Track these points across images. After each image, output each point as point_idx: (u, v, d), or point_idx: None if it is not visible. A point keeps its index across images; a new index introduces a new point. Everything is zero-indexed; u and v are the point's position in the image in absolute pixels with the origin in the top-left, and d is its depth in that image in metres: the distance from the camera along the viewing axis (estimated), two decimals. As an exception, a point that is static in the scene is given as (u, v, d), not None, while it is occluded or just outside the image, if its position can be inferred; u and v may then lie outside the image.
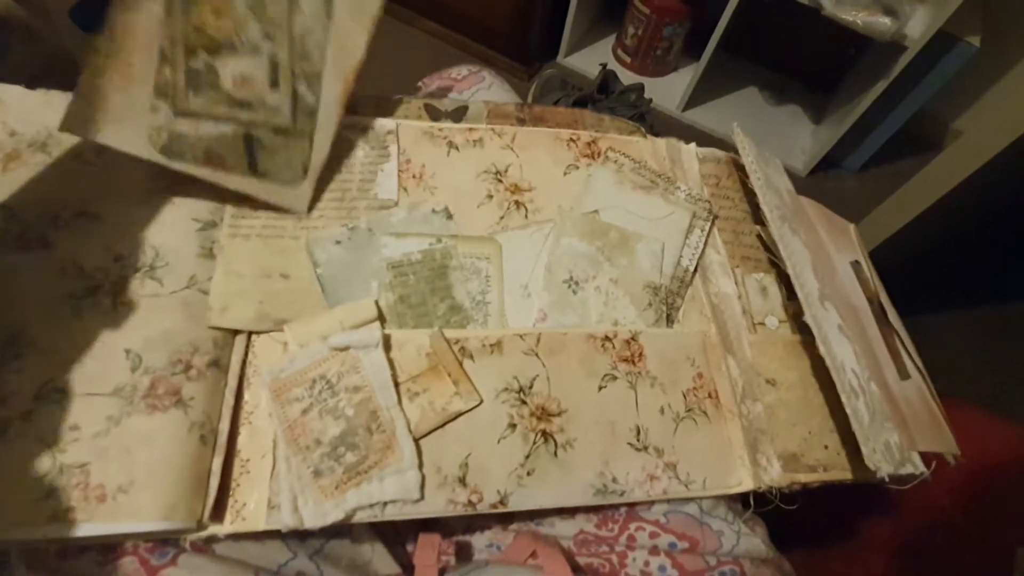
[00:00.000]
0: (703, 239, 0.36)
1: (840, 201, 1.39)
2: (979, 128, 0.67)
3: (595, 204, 0.36)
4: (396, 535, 0.33)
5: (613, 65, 1.53)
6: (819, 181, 1.36)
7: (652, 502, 0.31)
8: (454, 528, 0.32)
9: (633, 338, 0.33)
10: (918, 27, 1.03)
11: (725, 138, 1.43)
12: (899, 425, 0.33)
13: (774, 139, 1.41)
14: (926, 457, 0.35)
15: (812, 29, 1.20)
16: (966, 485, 0.62)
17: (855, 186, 1.37)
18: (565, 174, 0.38)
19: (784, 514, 0.33)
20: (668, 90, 1.47)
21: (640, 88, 1.28)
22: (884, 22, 1.00)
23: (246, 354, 0.30)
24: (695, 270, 0.36)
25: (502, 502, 0.28)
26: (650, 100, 1.29)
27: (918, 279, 1.23)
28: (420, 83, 0.47)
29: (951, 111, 1.41)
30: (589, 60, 1.50)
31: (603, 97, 1.30)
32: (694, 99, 1.42)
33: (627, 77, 1.47)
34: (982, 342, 1.23)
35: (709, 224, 0.37)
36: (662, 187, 0.37)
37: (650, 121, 1.33)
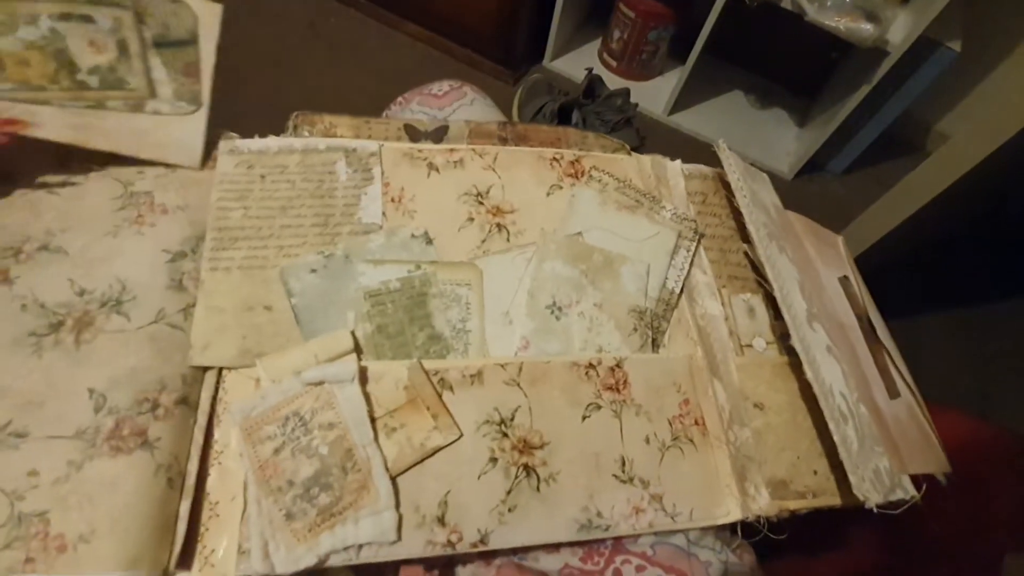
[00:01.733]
0: (689, 259, 0.36)
1: (825, 203, 1.40)
2: (965, 133, 0.67)
3: (579, 226, 0.35)
4: (375, 569, 0.32)
5: (599, 69, 1.53)
6: (804, 184, 1.37)
7: (638, 535, 0.30)
8: (436, 561, 0.31)
9: (618, 365, 0.32)
10: (900, 32, 1.04)
11: (711, 142, 1.42)
12: (889, 448, 0.33)
13: (759, 142, 1.41)
14: (916, 478, 0.34)
15: (796, 34, 1.21)
16: (952, 491, 0.62)
17: (839, 188, 1.38)
18: (548, 195, 0.37)
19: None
20: (654, 94, 1.47)
21: (626, 93, 1.28)
22: (866, 28, 1.00)
23: (216, 390, 0.29)
24: (681, 292, 0.35)
25: (482, 541, 0.27)
26: (636, 104, 1.29)
27: (905, 281, 1.25)
28: (400, 98, 0.46)
29: (933, 114, 1.42)
30: (575, 64, 1.50)
31: (589, 102, 1.30)
32: (680, 103, 1.42)
33: (613, 81, 1.47)
34: (968, 344, 1.24)
35: (695, 244, 0.37)
36: (647, 206, 0.36)
37: (636, 126, 1.32)
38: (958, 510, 0.60)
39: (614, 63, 1.51)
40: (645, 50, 1.43)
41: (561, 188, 0.38)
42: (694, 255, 0.36)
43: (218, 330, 0.29)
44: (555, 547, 0.31)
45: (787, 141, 1.44)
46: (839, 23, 1.02)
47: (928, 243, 1.19)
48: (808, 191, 1.36)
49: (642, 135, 1.41)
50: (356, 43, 1.48)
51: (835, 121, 1.21)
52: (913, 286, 1.27)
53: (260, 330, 0.30)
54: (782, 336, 0.37)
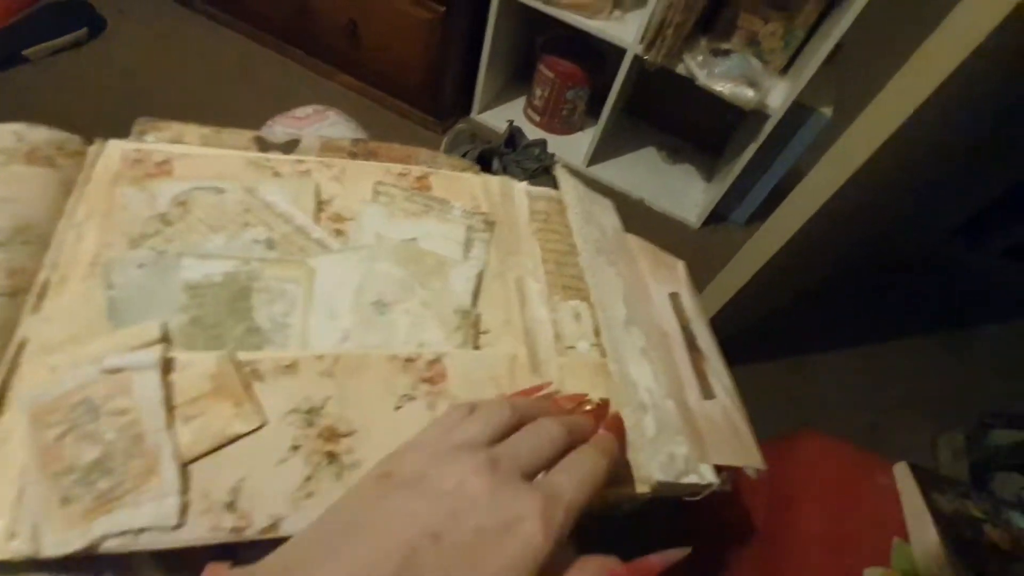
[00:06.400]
0: (485, 249, 0.39)
1: (728, 250, 1.50)
2: (812, 177, 0.75)
3: (367, 240, 0.37)
4: (185, 566, 0.30)
5: (524, 123, 1.62)
6: (710, 233, 1.48)
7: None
8: (250, 559, 0.31)
9: (437, 359, 0.33)
10: (778, 98, 1.17)
11: (625, 192, 1.53)
12: (692, 439, 0.35)
13: (670, 194, 1.52)
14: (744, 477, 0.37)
15: (698, 97, 1.33)
16: (823, 510, 0.66)
17: (742, 236, 1.49)
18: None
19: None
20: (574, 147, 1.57)
21: (543, 143, 1.36)
22: (747, 93, 1.12)
23: (8, 379, 0.28)
24: (476, 291, 0.38)
25: (273, 527, 0.27)
26: (553, 155, 1.37)
27: (804, 317, 1.34)
28: (269, 121, 0.48)
29: (821, 173, 1.58)
30: (502, 117, 1.59)
31: (510, 151, 1.37)
32: (597, 156, 1.52)
33: (537, 134, 1.56)
34: (863, 377, 1.33)
35: (488, 234, 0.39)
36: (437, 210, 0.39)
37: (554, 174, 1.40)
38: (828, 526, 0.63)
39: (538, 118, 1.61)
40: (565, 107, 1.54)
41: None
42: (490, 244, 0.39)
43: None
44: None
45: (695, 193, 1.55)
46: (724, 88, 1.13)
47: (820, 281, 1.29)
48: (713, 239, 1.46)
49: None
50: (287, 90, 1.52)
51: (731, 176, 1.33)
52: (811, 322, 1.36)
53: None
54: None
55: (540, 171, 1.35)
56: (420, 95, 1.47)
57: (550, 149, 1.42)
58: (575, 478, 0.24)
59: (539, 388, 0.33)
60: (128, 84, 1.41)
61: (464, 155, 1.35)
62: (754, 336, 1.24)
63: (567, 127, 1.59)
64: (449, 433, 0.26)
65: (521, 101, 1.64)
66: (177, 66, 1.48)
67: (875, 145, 0.66)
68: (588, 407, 0.30)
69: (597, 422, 0.29)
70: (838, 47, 1.12)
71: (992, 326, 1.46)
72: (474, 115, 1.59)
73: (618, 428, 0.30)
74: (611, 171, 1.53)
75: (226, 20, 1.57)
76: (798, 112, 1.22)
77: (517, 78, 1.66)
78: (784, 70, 1.23)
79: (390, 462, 0.25)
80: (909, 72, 0.64)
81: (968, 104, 0.77)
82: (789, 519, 0.66)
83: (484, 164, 1.36)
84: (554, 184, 1.54)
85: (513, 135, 1.39)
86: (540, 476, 0.25)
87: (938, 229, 1.55)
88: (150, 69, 1.45)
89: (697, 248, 1.41)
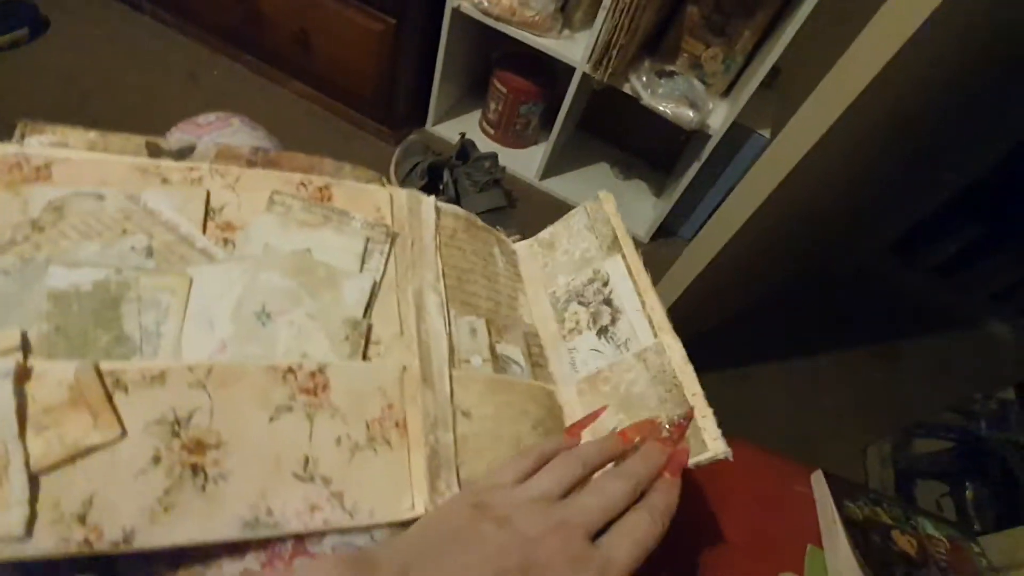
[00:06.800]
0: (384, 260, 0.39)
1: (674, 264, 1.54)
2: (742, 190, 0.78)
3: (255, 250, 0.36)
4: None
5: (479, 136, 1.63)
6: (658, 247, 1.51)
7: (323, 533, 0.30)
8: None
9: (320, 370, 0.33)
10: (718, 119, 1.21)
11: (576, 205, 1.55)
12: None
13: (621, 209, 1.55)
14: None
15: (650, 115, 1.37)
16: (743, 518, 0.67)
17: (689, 252, 1.54)
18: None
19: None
20: (528, 161, 1.58)
21: (494, 156, 1.38)
22: (688, 113, 1.16)
23: None
24: (369, 302, 0.37)
25: (126, 540, 0.26)
26: (503, 168, 1.38)
27: (743, 333, 1.38)
28: (172, 128, 0.47)
29: (765, 191, 1.64)
30: (457, 130, 1.60)
31: (461, 163, 1.38)
32: (549, 170, 1.54)
33: (491, 147, 1.58)
34: (799, 390, 1.38)
35: (388, 245, 0.40)
36: (336, 221, 0.39)
37: (505, 187, 1.42)
38: (740, 526, 0.65)
39: (492, 131, 1.63)
40: (518, 122, 1.56)
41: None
42: (388, 256, 0.39)
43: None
44: (241, 553, 0.30)
45: (645, 209, 1.59)
46: (667, 108, 1.17)
47: (759, 296, 1.33)
48: (661, 253, 1.50)
49: (514, 197, 1.51)
50: (238, 96, 1.50)
51: (677, 193, 1.37)
52: (752, 335, 1.40)
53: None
54: (501, 357, 0.40)
55: (491, 183, 1.36)
56: (373, 105, 1.47)
57: (504, 162, 1.44)
58: (631, 541, 0.28)
59: (596, 415, 0.37)
60: (69, 87, 1.37)
61: (415, 166, 1.35)
62: (695, 349, 1.27)
63: (521, 141, 1.61)
64: (525, 483, 0.31)
65: (477, 114, 1.66)
66: (121, 70, 1.44)
67: (793, 163, 0.69)
68: (665, 432, 0.34)
69: (667, 454, 0.33)
70: (776, 73, 1.18)
71: (921, 339, 1.54)
72: (429, 127, 1.60)
73: (682, 463, 0.34)
74: (563, 185, 1.56)
75: (175, 23, 1.54)
76: (739, 133, 1.27)
77: (473, 91, 1.68)
78: (725, 93, 1.28)
79: (482, 494, 0.30)
80: (822, 93, 0.68)
81: (890, 123, 0.82)
82: (712, 528, 0.68)
83: (435, 176, 1.37)
84: (505, 196, 1.54)
85: (465, 148, 1.40)
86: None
87: (873, 246, 1.63)
88: (93, 72, 1.41)
89: (646, 261, 1.44)
